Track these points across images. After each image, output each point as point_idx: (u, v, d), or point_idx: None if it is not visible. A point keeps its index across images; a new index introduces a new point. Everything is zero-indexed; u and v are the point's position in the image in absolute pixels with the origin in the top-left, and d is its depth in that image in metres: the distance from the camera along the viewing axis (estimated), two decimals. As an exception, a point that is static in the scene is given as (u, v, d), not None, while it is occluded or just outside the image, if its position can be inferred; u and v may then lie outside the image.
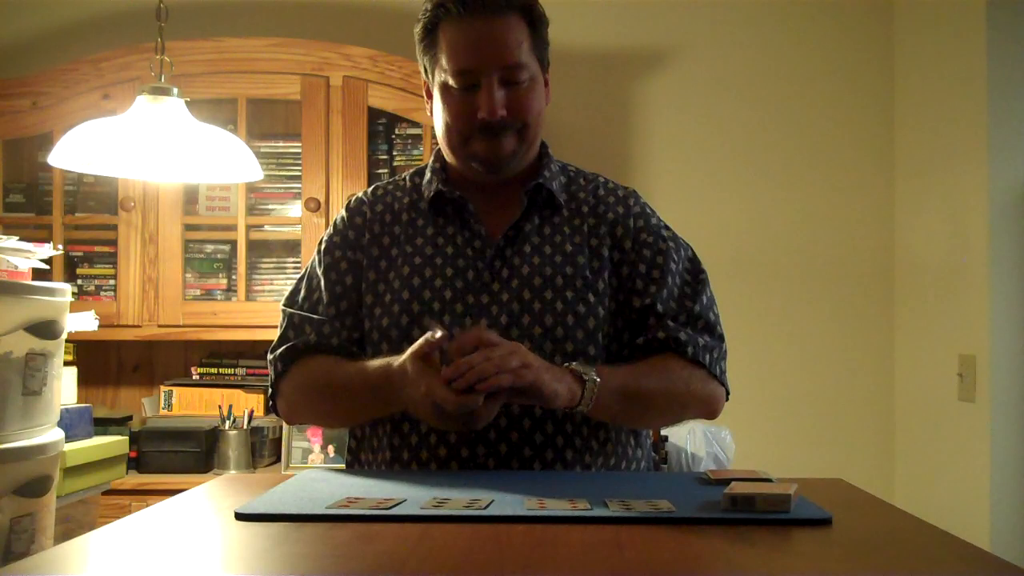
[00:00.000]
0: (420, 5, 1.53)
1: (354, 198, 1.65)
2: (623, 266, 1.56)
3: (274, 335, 3.02)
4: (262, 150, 3.01)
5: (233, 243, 3.07)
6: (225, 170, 2.32)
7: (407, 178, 1.65)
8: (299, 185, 3.03)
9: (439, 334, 1.33)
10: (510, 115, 1.49)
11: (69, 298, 1.70)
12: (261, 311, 3.00)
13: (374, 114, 3.03)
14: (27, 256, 1.66)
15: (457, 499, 1.13)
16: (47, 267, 1.82)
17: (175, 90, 2.20)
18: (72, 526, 1.90)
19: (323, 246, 1.62)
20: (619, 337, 1.54)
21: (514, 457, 1.46)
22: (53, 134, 2.89)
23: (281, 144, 3.10)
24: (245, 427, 2.94)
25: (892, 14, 3.29)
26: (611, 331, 1.53)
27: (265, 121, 3.19)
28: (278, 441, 3.04)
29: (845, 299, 3.26)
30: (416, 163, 3.06)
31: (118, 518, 1.10)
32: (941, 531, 1.04)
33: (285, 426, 2.96)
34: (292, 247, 3.08)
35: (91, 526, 1.90)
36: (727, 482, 1.15)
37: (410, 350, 1.36)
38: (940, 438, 2.96)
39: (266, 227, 3.11)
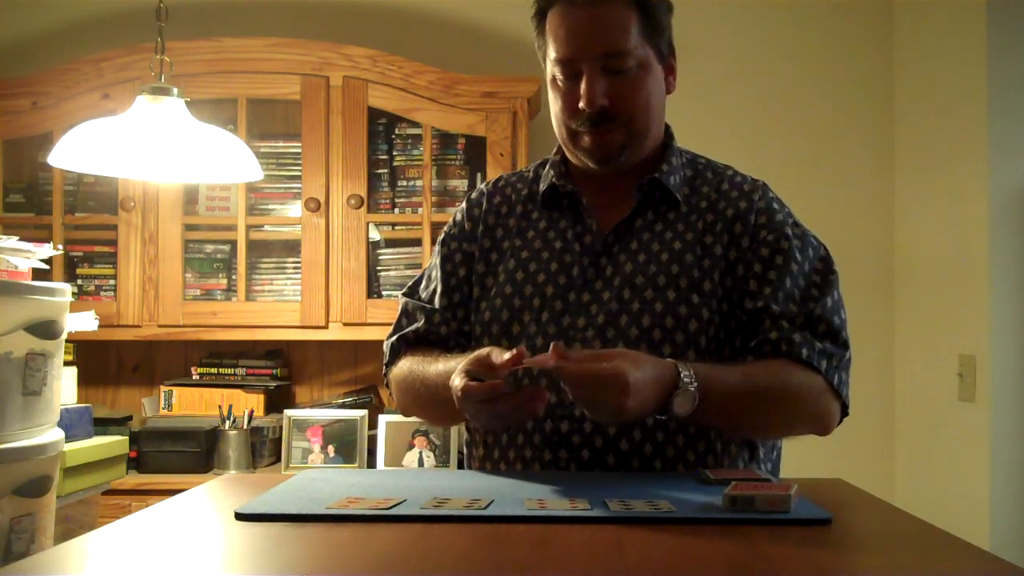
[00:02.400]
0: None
1: (477, 189, 1.65)
2: (738, 265, 1.46)
3: (273, 335, 3.03)
4: (262, 150, 3.01)
5: (233, 243, 3.07)
6: (225, 170, 2.32)
7: (532, 168, 1.62)
8: (299, 185, 3.02)
9: (507, 356, 1.25)
10: (613, 105, 1.43)
11: (69, 298, 1.69)
12: (261, 311, 3.00)
13: (374, 114, 3.03)
14: (27, 256, 1.66)
15: (457, 499, 1.13)
16: (47, 267, 1.82)
17: (175, 90, 2.20)
18: (72, 526, 1.90)
19: (442, 236, 1.63)
20: (730, 341, 1.44)
21: (597, 464, 1.40)
22: (53, 134, 2.89)
23: (281, 144, 3.10)
24: (245, 427, 2.94)
25: (892, 14, 3.28)
26: (722, 335, 1.43)
27: (265, 121, 3.19)
28: (278, 441, 3.04)
29: (845, 299, 3.25)
30: (416, 163, 3.06)
31: (118, 518, 1.09)
32: (941, 531, 1.04)
33: (285, 426, 2.96)
34: (292, 247, 3.07)
35: (91, 526, 1.90)
36: (727, 482, 1.15)
37: (473, 355, 1.30)
38: (940, 438, 2.96)
39: (266, 227, 3.11)
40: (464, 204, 1.63)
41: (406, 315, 1.62)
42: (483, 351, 1.28)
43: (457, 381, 1.27)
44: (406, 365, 1.55)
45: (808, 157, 3.28)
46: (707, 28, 3.31)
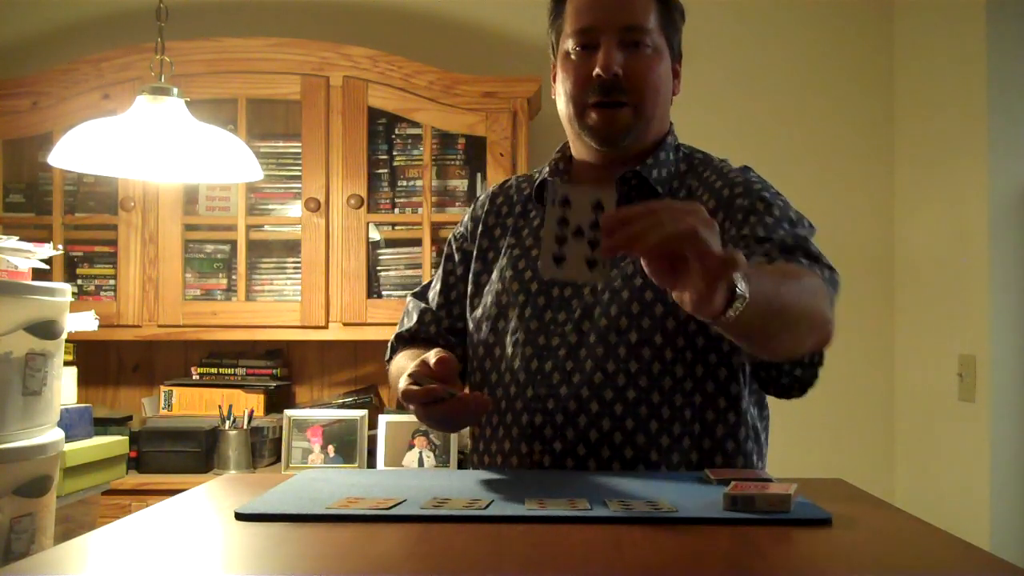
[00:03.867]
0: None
1: (486, 191, 1.69)
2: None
3: (273, 335, 3.04)
4: (262, 150, 3.01)
5: (233, 243, 3.07)
6: (225, 170, 2.31)
7: (541, 169, 1.63)
8: (299, 185, 3.02)
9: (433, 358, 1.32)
10: (626, 78, 1.44)
11: (69, 298, 1.69)
12: (261, 311, 3.00)
13: (374, 114, 3.03)
14: (27, 256, 1.66)
15: (457, 499, 1.13)
16: (47, 267, 1.82)
17: (175, 90, 2.20)
18: (72, 526, 1.90)
19: (449, 237, 1.68)
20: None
21: (569, 456, 1.42)
22: (53, 134, 2.89)
23: (281, 144, 3.10)
24: (245, 427, 2.94)
25: (892, 14, 3.28)
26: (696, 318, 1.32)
27: (265, 121, 3.19)
28: (278, 441, 3.04)
29: (845, 299, 3.21)
30: (416, 163, 3.06)
31: (118, 518, 1.09)
32: (941, 531, 1.04)
33: (285, 426, 2.96)
34: (292, 247, 3.07)
35: (91, 526, 1.90)
36: (727, 482, 1.15)
37: (420, 358, 1.36)
38: (940, 438, 2.96)
39: (266, 227, 3.11)
40: (472, 205, 1.68)
41: (406, 314, 1.69)
42: (427, 353, 1.34)
43: (402, 383, 1.32)
44: (397, 362, 1.62)
45: (808, 157, 3.28)
46: (708, 28, 3.31)
